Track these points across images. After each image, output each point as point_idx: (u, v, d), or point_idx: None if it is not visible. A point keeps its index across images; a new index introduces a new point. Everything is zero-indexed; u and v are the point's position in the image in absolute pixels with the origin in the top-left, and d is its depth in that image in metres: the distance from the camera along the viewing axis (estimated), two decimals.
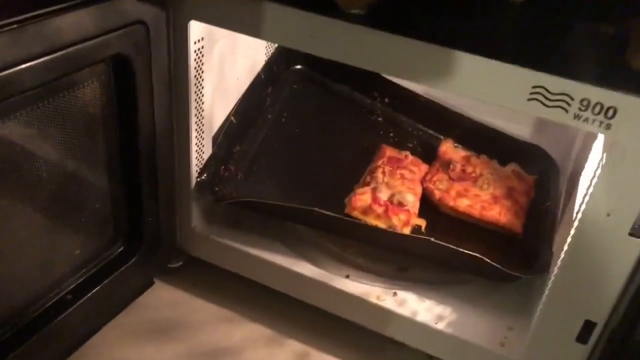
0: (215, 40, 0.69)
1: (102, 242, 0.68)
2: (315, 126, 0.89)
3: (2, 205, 0.53)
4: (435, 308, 0.71)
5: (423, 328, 0.69)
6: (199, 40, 0.65)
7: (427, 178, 0.84)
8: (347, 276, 0.74)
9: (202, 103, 0.70)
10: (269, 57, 0.86)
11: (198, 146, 0.73)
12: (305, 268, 0.74)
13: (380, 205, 0.76)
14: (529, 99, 0.51)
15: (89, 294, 0.65)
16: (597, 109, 0.49)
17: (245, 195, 0.76)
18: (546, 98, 0.51)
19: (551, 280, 0.60)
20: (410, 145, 0.91)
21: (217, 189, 0.76)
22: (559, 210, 0.78)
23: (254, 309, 0.77)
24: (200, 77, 0.68)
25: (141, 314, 0.74)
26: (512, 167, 0.86)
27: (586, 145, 0.74)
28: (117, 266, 0.69)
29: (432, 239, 0.69)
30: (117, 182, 0.66)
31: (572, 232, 0.56)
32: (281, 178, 0.82)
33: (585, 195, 0.56)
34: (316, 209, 0.70)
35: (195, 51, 0.65)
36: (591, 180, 0.54)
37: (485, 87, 0.53)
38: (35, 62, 0.48)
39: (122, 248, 0.70)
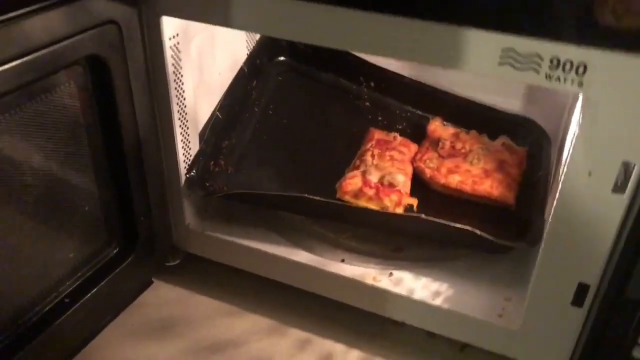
0: (192, 36, 0.69)
1: (97, 245, 0.69)
2: (303, 116, 0.89)
3: None
4: (431, 285, 0.71)
5: (420, 305, 0.69)
6: (174, 37, 0.66)
7: (417, 157, 0.84)
8: (343, 260, 0.74)
9: (184, 100, 0.71)
10: (250, 50, 0.87)
11: (184, 143, 0.73)
12: (301, 256, 0.74)
13: (370, 187, 0.77)
14: (500, 63, 0.51)
15: (87, 297, 0.66)
16: (568, 66, 0.49)
17: (237, 188, 0.77)
18: (516, 61, 0.50)
19: (542, 246, 0.60)
20: (400, 127, 0.91)
21: (207, 184, 0.77)
22: (550, 180, 0.78)
23: (254, 301, 0.77)
24: (179, 73, 0.69)
25: (142, 314, 0.75)
26: (502, 140, 0.86)
27: (573, 112, 0.73)
28: (113, 267, 0.70)
29: (423, 216, 0.70)
30: (105, 183, 0.67)
31: (557, 194, 0.56)
32: (272, 169, 0.82)
33: (567, 157, 0.55)
34: (306, 195, 0.70)
35: (171, 47, 0.66)
36: (571, 142, 0.54)
37: (456, 55, 0.52)
38: (5, 66, 0.49)
39: (117, 249, 0.71)
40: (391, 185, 0.77)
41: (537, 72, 0.50)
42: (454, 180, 0.80)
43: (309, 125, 0.88)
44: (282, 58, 0.91)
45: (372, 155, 0.82)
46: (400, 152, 0.84)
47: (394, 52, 0.56)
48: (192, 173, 0.75)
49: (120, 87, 0.62)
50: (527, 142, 0.86)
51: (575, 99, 0.71)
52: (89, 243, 0.67)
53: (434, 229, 0.70)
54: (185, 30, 0.67)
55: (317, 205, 0.71)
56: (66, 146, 0.61)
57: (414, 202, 0.78)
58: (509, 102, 0.92)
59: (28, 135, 0.56)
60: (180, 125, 0.71)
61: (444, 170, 0.81)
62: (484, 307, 0.68)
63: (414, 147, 0.86)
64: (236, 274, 0.78)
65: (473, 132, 0.87)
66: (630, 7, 0.45)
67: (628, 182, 0.52)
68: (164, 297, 0.77)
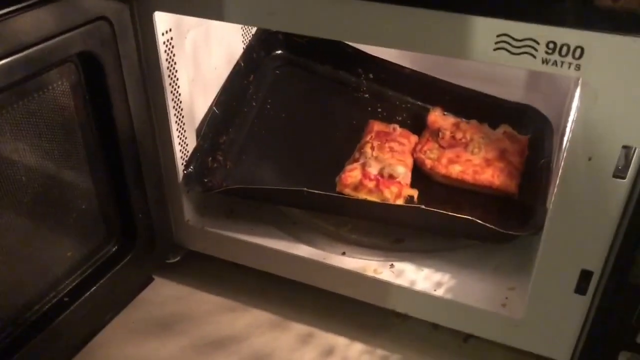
0: (186, 31, 0.69)
1: (95, 242, 0.69)
2: (302, 109, 0.88)
3: None
4: (433, 276, 0.70)
5: (423, 297, 0.68)
6: (167, 32, 0.65)
7: (418, 148, 0.83)
8: (344, 253, 0.74)
9: (179, 95, 0.70)
10: (247, 44, 0.86)
11: (181, 139, 0.73)
12: (302, 250, 0.74)
13: (370, 180, 0.76)
14: (495, 49, 0.50)
15: (87, 295, 0.66)
16: (565, 50, 0.48)
17: (236, 183, 0.76)
18: (512, 45, 0.50)
19: (543, 234, 0.59)
20: (400, 118, 0.90)
21: (206, 180, 0.76)
22: (552, 168, 0.77)
23: (256, 296, 0.77)
24: (174, 69, 0.68)
25: (143, 311, 0.75)
26: (503, 128, 0.85)
27: (574, 98, 0.72)
28: (112, 265, 0.69)
29: (423, 207, 0.69)
30: (101, 181, 0.66)
31: (558, 182, 0.55)
32: (271, 164, 0.82)
33: (567, 142, 0.54)
34: (305, 189, 0.70)
35: (164, 43, 0.65)
36: (571, 127, 0.53)
37: (451, 42, 0.52)
38: None
39: (116, 247, 0.71)
40: (391, 177, 0.77)
41: (534, 56, 0.49)
42: (455, 171, 0.79)
43: (308, 119, 0.88)
44: (278, 51, 0.90)
45: (372, 147, 0.81)
46: (400, 143, 0.83)
47: (389, 41, 0.55)
48: (190, 169, 0.74)
49: (114, 83, 0.61)
50: (528, 131, 0.85)
51: (577, 85, 0.69)
52: (87, 241, 0.67)
53: (435, 220, 0.69)
54: (179, 25, 0.67)
55: (317, 198, 0.71)
56: (61, 144, 0.61)
57: (415, 193, 0.77)
58: (510, 90, 0.91)
59: (21, 134, 0.56)
60: (176, 121, 0.71)
61: (444, 160, 0.81)
62: (487, 297, 0.67)
63: (414, 138, 0.85)
64: (237, 269, 0.77)
65: (474, 122, 0.87)
66: None
67: (629, 167, 0.51)
68: (165, 294, 0.77)
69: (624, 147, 0.50)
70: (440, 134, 0.84)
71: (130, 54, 0.62)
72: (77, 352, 0.68)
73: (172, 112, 0.69)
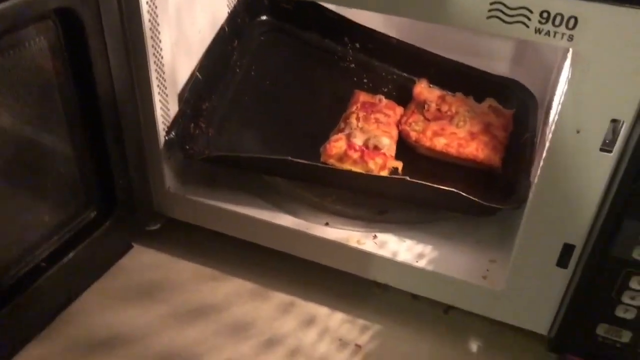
0: None
1: (73, 208, 0.67)
2: (287, 77, 0.87)
3: None
4: (415, 247, 0.70)
5: (404, 267, 0.68)
6: None
7: (403, 120, 0.82)
8: (327, 224, 0.73)
9: (162, 58, 0.68)
10: (231, 9, 0.84)
11: (162, 104, 0.71)
12: (285, 219, 0.73)
13: (355, 150, 0.75)
14: (488, 17, 0.49)
15: (64, 260, 0.65)
16: (558, 20, 0.48)
17: (218, 151, 0.75)
18: (505, 14, 0.49)
19: (527, 207, 0.59)
20: (385, 89, 0.89)
21: (187, 147, 0.74)
22: (537, 142, 0.77)
23: (237, 265, 0.76)
24: (157, 30, 0.66)
25: (123, 278, 0.74)
26: (488, 102, 0.84)
27: (560, 72, 0.72)
28: (91, 231, 0.68)
29: (407, 178, 0.68)
30: (80, 145, 0.64)
31: (544, 154, 0.55)
32: (255, 132, 0.80)
33: (555, 115, 0.54)
34: (289, 158, 0.69)
35: (147, 2, 0.63)
36: (560, 99, 0.53)
37: (443, 9, 0.51)
38: None
39: (95, 213, 0.69)
40: (376, 148, 0.76)
41: (527, 25, 0.49)
42: (440, 143, 0.79)
43: (293, 87, 0.86)
44: (264, 17, 0.88)
45: (357, 118, 0.80)
46: (386, 114, 0.82)
47: (379, 6, 0.54)
48: (171, 135, 0.73)
49: (95, 43, 0.59)
50: (513, 105, 0.85)
51: (563, 59, 0.69)
52: (65, 206, 0.66)
53: (418, 192, 0.69)
54: None
55: (301, 168, 0.70)
56: (38, 106, 0.59)
57: (399, 165, 0.76)
58: (496, 64, 0.90)
59: None
60: (158, 85, 0.69)
61: (429, 133, 0.80)
62: (468, 268, 0.67)
63: (399, 109, 0.85)
64: (219, 238, 0.76)
65: (459, 95, 0.86)
66: None
67: (616, 140, 0.51)
68: (144, 261, 0.76)
69: (613, 120, 0.50)
70: (425, 106, 0.83)
71: (112, 13, 0.60)
72: (54, 318, 0.67)
73: (154, 75, 0.67)
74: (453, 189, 0.66)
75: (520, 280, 0.62)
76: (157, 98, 0.69)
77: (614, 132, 0.51)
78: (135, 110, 0.69)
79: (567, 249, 0.58)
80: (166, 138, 0.73)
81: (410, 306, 0.73)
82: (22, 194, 0.60)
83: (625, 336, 0.57)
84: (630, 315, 0.55)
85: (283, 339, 0.68)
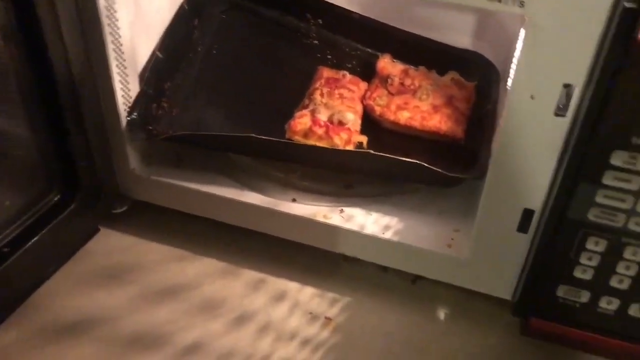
0: None
1: (35, 192, 0.66)
2: (250, 56, 0.86)
3: None
4: (381, 220, 0.71)
5: (371, 240, 0.69)
6: None
7: (367, 95, 0.83)
8: (294, 200, 0.73)
9: (120, 37, 0.67)
10: None
11: (123, 84, 0.70)
12: (252, 197, 0.73)
13: (320, 126, 0.75)
14: None
15: (28, 245, 0.64)
16: None
17: (182, 130, 0.74)
18: None
19: (487, 175, 0.60)
20: (350, 65, 0.89)
21: (150, 127, 0.74)
22: (498, 113, 0.78)
23: (206, 245, 0.76)
24: (112, 9, 0.65)
25: (90, 262, 0.73)
26: (451, 75, 0.85)
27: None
28: (55, 215, 0.67)
29: (371, 151, 0.69)
30: (39, 127, 0.63)
31: (501, 122, 0.56)
32: (219, 111, 0.80)
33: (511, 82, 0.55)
34: (253, 135, 0.69)
35: None
36: (515, 66, 0.54)
37: None
38: None
39: (58, 196, 0.68)
40: (341, 123, 0.76)
41: None
42: (403, 117, 0.79)
43: (256, 65, 0.86)
44: None
45: (321, 94, 0.80)
46: (350, 90, 0.82)
47: None
48: (133, 116, 0.72)
49: (47, 21, 0.58)
50: (476, 77, 0.86)
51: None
52: (26, 190, 0.65)
53: (382, 164, 0.70)
54: None
55: (266, 144, 0.70)
56: None
57: (364, 139, 0.77)
58: (459, 38, 0.91)
59: None
60: (117, 65, 0.68)
61: (393, 107, 0.81)
62: (433, 238, 0.68)
63: (363, 85, 0.85)
64: (186, 218, 0.76)
65: (422, 68, 0.86)
66: None
67: (569, 105, 0.52)
68: (111, 244, 0.76)
69: (565, 85, 0.51)
70: (389, 80, 0.84)
71: None
72: (21, 303, 0.66)
73: (112, 55, 0.66)
74: (416, 161, 0.67)
75: (483, 247, 0.64)
76: (116, 78, 0.68)
77: (567, 97, 0.52)
78: (95, 91, 0.68)
79: (527, 214, 0.59)
80: (128, 119, 0.72)
81: (379, 278, 0.74)
82: None
83: (584, 296, 0.58)
84: (587, 275, 0.57)
85: (253, 315, 0.69)
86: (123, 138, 0.72)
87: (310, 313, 0.70)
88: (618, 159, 0.50)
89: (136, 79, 0.73)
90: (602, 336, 0.60)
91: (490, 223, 0.62)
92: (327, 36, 0.89)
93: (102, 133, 0.71)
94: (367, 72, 0.87)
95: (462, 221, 0.70)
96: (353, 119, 0.78)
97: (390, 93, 0.83)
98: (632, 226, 0.53)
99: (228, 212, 0.74)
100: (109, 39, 0.65)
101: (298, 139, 0.75)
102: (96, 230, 0.76)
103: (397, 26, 0.88)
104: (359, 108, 0.81)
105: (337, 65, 0.87)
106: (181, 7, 0.80)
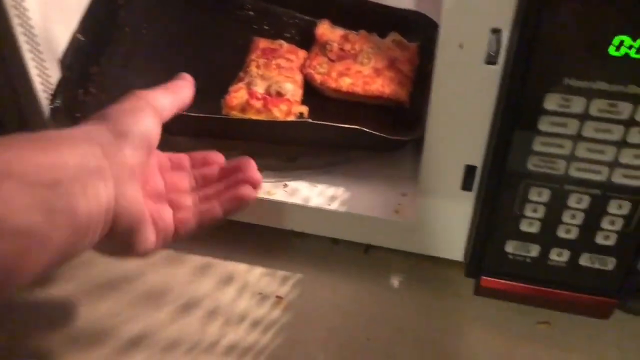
0: None
1: None
2: (182, 32, 0.82)
3: None
4: (327, 191, 0.68)
5: (317, 212, 0.67)
6: None
7: (307, 64, 0.79)
8: None
9: (29, 20, 0.63)
10: None
11: (40, 70, 0.66)
12: None
13: (257, 99, 0.72)
14: None
15: None
16: None
17: None
18: None
19: (426, 133, 0.58)
20: (288, 35, 0.85)
21: (78, 114, 0.70)
22: None
23: None
24: None
25: None
26: (392, 37, 0.82)
27: None
28: None
29: (308, 120, 0.66)
30: None
31: (433, 76, 0.53)
32: None
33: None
34: (185, 112, 0.65)
35: None
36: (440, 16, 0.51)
37: None
38: None
39: None
40: (279, 94, 0.73)
41: None
42: (345, 83, 0.76)
43: (190, 42, 0.82)
44: None
45: (257, 66, 0.77)
46: (288, 59, 0.79)
47: None
48: (56, 103, 0.68)
49: None
50: (419, 38, 0.83)
51: None
52: None
53: (323, 133, 0.67)
54: None
55: (199, 122, 0.67)
56: None
57: (305, 109, 0.74)
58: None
59: None
60: (30, 50, 0.63)
61: (334, 74, 0.78)
62: (380, 205, 0.66)
63: (302, 53, 0.81)
64: None
65: (362, 32, 0.83)
66: None
67: (500, 52, 0.49)
68: None
69: (493, 30, 0.49)
70: (328, 47, 0.80)
71: None
72: None
73: (21, 39, 0.62)
74: (355, 126, 0.64)
75: (429, 210, 0.61)
76: (31, 64, 0.64)
77: (497, 43, 0.49)
78: (9, 79, 0.63)
79: (469, 171, 0.57)
80: (51, 107, 0.68)
81: (331, 251, 0.71)
82: None
83: (534, 250, 0.57)
84: (534, 228, 0.55)
85: (200, 301, 0.66)
86: (47, 127, 0.68)
87: (260, 293, 0.67)
88: (552, 102, 0.48)
89: (56, 65, 0.69)
90: (556, 289, 0.58)
91: (433, 184, 0.59)
92: (262, 6, 0.86)
93: (24, 123, 0.66)
94: (307, 40, 0.83)
95: (410, 185, 0.68)
96: (292, 89, 0.74)
97: (330, 60, 0.80)
98: (573, 172, 0.51)
99: None
100: (15, 21, 0.61)
101: (235, 114, 0.72)
102: None
103: None
104: (299, 78, 0.78)
105: (275, 36, 0.84)
106: None
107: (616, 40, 0.44)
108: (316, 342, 0.63)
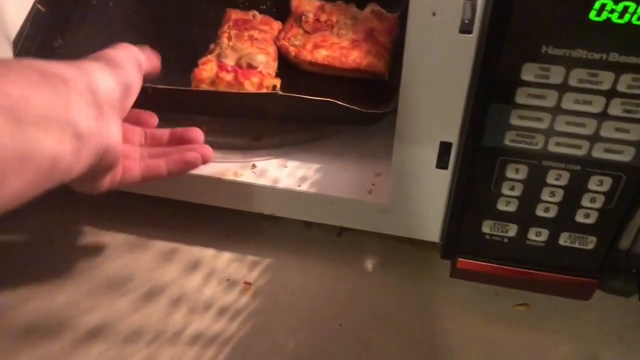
0: None
1: None
2: (153, 5, 0.78)
3: None
4: (297, 171, 0.65)
5: (287, 194, 0.63)
6: None
7: (281, 36, 0.75)
8: None
9: None
10: None
11: None
12: None
13: (228, 71, 0.68)
14: None
15: None
16: None
17: None
18: None
19: (399, 108, 0.54)
20: (264, 7, 0.81)
21: None
22: None
23: (109, 218, 0.69)
24: None
25: None
26: (371, 7, 0.78)
27: None
28: None
29: (279, 92, 0.62)
30: None
31: (405, 47, 0.49)
32: None
33: None
34: (149, 85, 0.61)
35: None
36: None
37: None
38: None
39: None
40: (250, 66, 0.69)
41: None
42: (321, 55, 0.72)
43: (160, 15, 0.78)
44: None
45: (229, 37, 0.73)
46: (262, 31, 0.75)
47: None
48: None
49: None
50: (399, 8, 0.78)
51: None
52: None
53: (294, 107, 0.63)
54: None
55: (162, 95, 0.63)
56: None
57: (277, 82, 0.70)
58: None
59: None
60: None
61: (309, 46, 0.73)
62: (353, 185, 0.62)
63: (277, 25, 0.77)
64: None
65: (340, 3, 0.79)
66: None
67: (474, 19, 0.45)
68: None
69: None
70: (303, 18, 0.76)
71: None
72: None
73: None
74: (327, 99, 0.61)
75: (404, 189, 0.58)
76: None
77: (472, 10, 0.45)
78: None
79: (445, 148, 0.53)
80: None
81: (303, 235, 0.68)
82: None
83: (511, 230, 0.53)
84: (512, 207, 0.52)
85: (165, 289, 0.63)
86: None
87: (228, 280, 0.64)
88: (529, 72, 0.44)
89: (5, 41, 0.64)
90: (535, 270, 0.55)
91: (407, 162, 0.56)
92: None
93: None
94: (283, 13, 0.79)
95: (385, 163, 0.64)
96: (265, 61, 0.70)
97: (306, 32, 0.76)
98: (552, 147, 0.47)
99: None
100: None
101: (205, 87, 0.68)
102: None
103: None
104: (272, 50, 0.74)
105: (251, 8, 0.79)
106: None
107: (597, 4, 0.40)
108: (286, 329, 0.60)
